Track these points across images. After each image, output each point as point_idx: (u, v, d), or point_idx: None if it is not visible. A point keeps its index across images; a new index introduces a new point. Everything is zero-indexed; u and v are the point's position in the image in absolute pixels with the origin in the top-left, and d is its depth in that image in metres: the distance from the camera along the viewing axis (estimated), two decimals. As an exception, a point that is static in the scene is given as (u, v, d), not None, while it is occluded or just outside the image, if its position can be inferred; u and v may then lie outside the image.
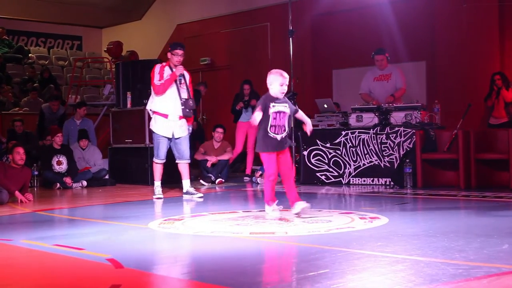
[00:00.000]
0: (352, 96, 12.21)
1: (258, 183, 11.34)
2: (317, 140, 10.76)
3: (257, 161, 12.45)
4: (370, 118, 10.45)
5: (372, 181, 10.35)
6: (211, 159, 11.63)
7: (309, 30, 15.18)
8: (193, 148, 12.47)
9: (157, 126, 9.27)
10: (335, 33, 14.90)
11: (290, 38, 12.29)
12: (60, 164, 11.65)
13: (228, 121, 13.01)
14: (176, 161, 9.50)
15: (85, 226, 6.86)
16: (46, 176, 11.64)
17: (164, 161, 9.42)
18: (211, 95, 16.38)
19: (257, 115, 6.62)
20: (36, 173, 11.73)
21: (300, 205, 6.76)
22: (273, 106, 6.68)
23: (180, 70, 9.22)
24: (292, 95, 12.05)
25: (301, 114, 7.06)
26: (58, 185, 11.43)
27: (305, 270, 4.20)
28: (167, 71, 9.21)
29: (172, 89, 9.19)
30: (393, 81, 11.05)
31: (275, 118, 6.69)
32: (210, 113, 17.08)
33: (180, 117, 9.27)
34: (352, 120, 10.68)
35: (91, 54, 21.99)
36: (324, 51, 15.37)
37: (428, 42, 13.56)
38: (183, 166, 9.46)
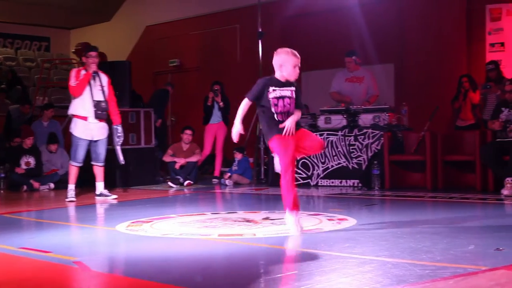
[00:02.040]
0: (321, 98, 12.24)
1: (226, 185, 11.34)
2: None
3: (226, 163, 12.48)
4: (338, 120, 10.49)
5: (340, 182, 10.38)
6: (180, 161, 11.59)
7: (278, 32, 15.18)
8: (162, 147, 12.48)
9: (77, 129, 9.39)
10: (304, 35, 14.92)
11: (260, 40, 12.33)
12: (29, 165, 11.56)
13: (197, 123, 12.97)
14: (92, 163, 9.59)
15: (52, 228, 6.79)
16: (13, 178, 11.53)
17: (81, 164, 9.50)
18: (180, 97, 16.35)
19: (243, 103, 5.98)
20: (2, 175, 11.63)
21: None
22: (273, 90, 5.83)
23: (93, 67, 9.37)
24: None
25: (298, 112, 5.92)
26: (25, 187, 11.33)
27: (273, 272, 4.21)
28: (82, 74, 9.39)
29: (89, 92, 9.34)
30: (366, 85, 11.11)
31: (276, 105, 5.80)
32: (179, 115, 17.02)
33: (100, 120, 9.37)
34: (321, 122, 10.71)
35: (59, 55, 21.81)
36: (293, 53, 15.37)
37: (397, 45, 13.64)
38: (98, 169, 9.59)
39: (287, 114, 5.79)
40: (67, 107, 15.44)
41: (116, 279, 4.20)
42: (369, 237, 5.45)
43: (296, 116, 5.85)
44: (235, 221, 6.62)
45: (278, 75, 5.92)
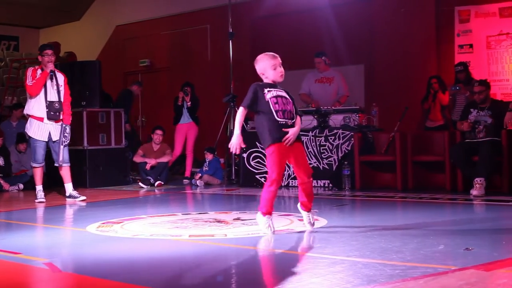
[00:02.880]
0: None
1: (197, 186, 11.31)
2: (257, 143, 10.77)
3: (197, 163, 12.46)
4: (309, 121, 10.51)
5: (311, 183, 10.39)
6: (150, 162, 11.54)
7: (249, 32, 15.20)
8: (133, 150, 12.41)
9: (33, 130, 9.32)
10: (275, 36, 14.94)
11: (230, 41, 12.33)
12: (-4, 165, 11.48)
13: (167, 123, 12.95)
14: (56, 165, 9.50)
15: (21, 229, 6.74)
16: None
17: (42, 164, 9.44)
18: (150, 97, 16.30)
19: (239, 113, 5.71)
20: (-29, 176, 11.51)
21: (305, 215, 6.00)
22: (268, 91, 5.73)
23: (50, 66, 9.28)
24: (232, 97, 12.10)
25: (299, 119, 5.91)
26: (-6, 188, 11.23)
27: (244, 272, 4.21)
28: (39, 73, 9.30)
29: (43, 92, 9.26)
30: (336, 85, 11.17)
31: (276, 103, 5.69)
32: (149, 115, 16.96)
33: (56, 121, 9.31)
34: (292, 122, 10.71)
35: (28, 54, 21.60)
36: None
37: (367, 46, 13.70)
38: (63, 170, 9.52)
39: (289, 113, 5.72)
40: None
41: (86, 280, 4.17)
42: (340, 237, 5.46)
43: (298, 126, 5.80)
44: (206, 221, 6.62)
45: (265, 81, 5.89)
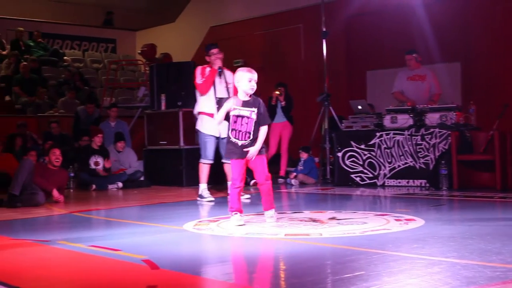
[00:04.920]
0: (386, 97, 12.14)
1: (292, 185, 11.33)
2: (352, 142, 10.71)
3: (291, 162, 12.47)
4: (404, 120, 10.38)
5: (408, 182, 10.27)
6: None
7: (342, 31, 15.14)
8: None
9: (203, 125, 9.27)
10: (368, 34, 14.84)
11: (324, 40, 12.29)
12: (98, 165, 11.78)
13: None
14: (223, 161, 9.17)
15: (121, 227, 6.91)
16: (82, 177, 11.75)
17: (211, 161, 9.28)
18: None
19: (219, 113, 6.60)
20: (72, 174, 11.84)
21: (269, 214, 6.52)
22: (233, 109, 6.38)
23: (218, 63, 9.26)
24: (326, 96, 12.06)
25: (261, 132, 6.43)
26: (94, 186, 11.53)
27: (340, 272, 4.19)
28: (208, 71, 9.28)
29: (213, 89, 9.24)
30: (428, 83, 10.99)
31: (235, 122, 6.36)
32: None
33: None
34: (387, 121, 10.61)
35: (125, 56, 22.15)
36: (358, 52, 15.33)
37: (463, 43, 13.45)
38: (229, 167, 9.41)
39: (242, 133, 6.35)
40: (134, 108, 15.79)
41: (183, 277, 4.24)
42: (438, 238, 5.38)
43: (259, 143, 6.39)
44: (302, 220, 6.62)
45: (239, 91, 6.54)
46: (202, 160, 9.30)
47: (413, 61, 11.09)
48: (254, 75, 6.45)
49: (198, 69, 9.36)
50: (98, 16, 22.53)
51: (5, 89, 17.37)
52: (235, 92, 8.42)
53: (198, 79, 9.24)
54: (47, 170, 9.41)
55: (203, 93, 9.24)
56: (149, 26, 22.03)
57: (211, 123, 9.13)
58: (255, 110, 6.37)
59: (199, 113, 9.35)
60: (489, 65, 12.83)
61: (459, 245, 4.97)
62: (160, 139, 12.39)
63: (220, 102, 9.14)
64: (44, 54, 19.57)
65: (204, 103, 9.28)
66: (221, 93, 9.21)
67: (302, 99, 14.05)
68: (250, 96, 6.49)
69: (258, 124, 6.39)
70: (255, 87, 6.44)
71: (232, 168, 6.46)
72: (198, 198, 9.18)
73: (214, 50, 9.36)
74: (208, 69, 9.30)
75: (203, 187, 9.21)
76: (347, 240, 5.42)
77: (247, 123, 6.33)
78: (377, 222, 6.33)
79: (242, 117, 6.34)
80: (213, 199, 9.13)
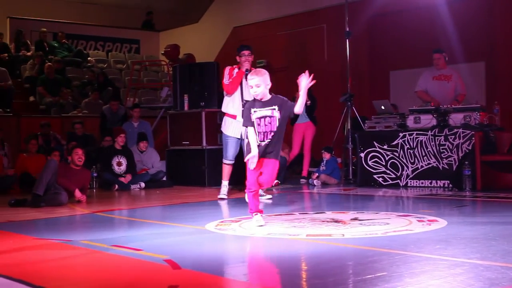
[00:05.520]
0: (409, 97, 12.10)
1: (314, 185, 11.32)
2: (374, 142, 10.68)
3: (314, 163, 12.45)
4: (428, 120, 10.33)
5: (430, 183, 10.21)
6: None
7: (365, 31, 15.11)
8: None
9: (226, 126, 9.36)
10: (391, 34, 14.80)
11: (347, 40, 12.27)
12: (120, 165, 11.84)
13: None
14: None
15: (143, 227, 6.93)
16: (105, 177, 11.82)
17: (232, 162, 9.41)
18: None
19: (249, 133, 6.36)
20: (95, 174, 11.91)
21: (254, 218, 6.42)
22: (254, 112, 6.32)
23: (246, 65, 9.28)
24: (349, 96, 12.04)
25: (298, 102, 6.33)
26: (117, 186, 11.59)
27: (362, 273, 4.18)
28: (235, 72, 9.32)
29: (239, 91, 9.26)
30: (454, 83, 10.93)
31: (258, 124, 6.29)
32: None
33: None
34: (410, 121, 10.56)
35: (149, 57, 22.23)
36: (381, 52, 15.29)
37: (487, 43, 13.37)
38: None
39: (266, 133, 6.29)
40: (157, 108, 15.85)
41: (205, 278, 4.24)
42: (460, 239, 5.34)
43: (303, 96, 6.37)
44: (324, 221, 6.61)
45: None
46: (223, 160, 9.46)
47: (442, 60, 11.02)
48: (250, 81, 6.36)
49: (226, 69, 9.41)
50: (122, 17, 22.64)
51: (29, 90, 17.55)
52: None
53: (226, 79, 9.29)
54: (69, 170, 9.48)
55: (229, 93, 9.30)
56: (173, 26, 22.12)
57: (233, 125, 9.20)
58: (276, 107, 6.32)
59: (224, 114, 9.44)
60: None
61: (482, 246, 4.94)
62: (182, 140, 12.43)
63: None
64: (68, 55, 19.72)
65: (228, 104, 9.33)
66: (248, 95, 9.20)
67: (326, 99, 14.02)
68: (271, 94, 6.45)
69: (284, 121, 6.37)
70: (257, 91, 6.32)
71: (247, 173, 6.35)
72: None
73: (246, 52, 9.40)
74: (236, 70, 9.33)
75: (223, 183, 9.45)
76: (369, 241, 5.41)
77: (270, 123, 6.29)
78: (400, 223, 6.30)
79: (265, 117, 6.29)
80: (225, 197, 9.33)
